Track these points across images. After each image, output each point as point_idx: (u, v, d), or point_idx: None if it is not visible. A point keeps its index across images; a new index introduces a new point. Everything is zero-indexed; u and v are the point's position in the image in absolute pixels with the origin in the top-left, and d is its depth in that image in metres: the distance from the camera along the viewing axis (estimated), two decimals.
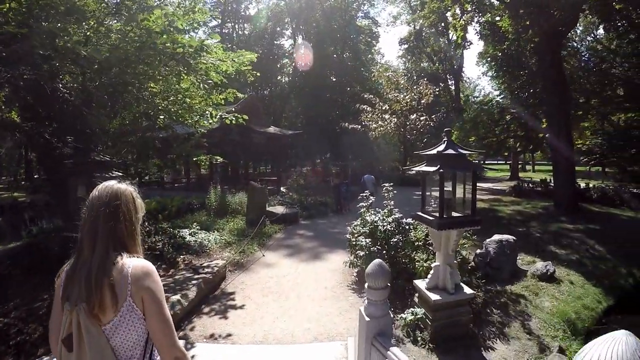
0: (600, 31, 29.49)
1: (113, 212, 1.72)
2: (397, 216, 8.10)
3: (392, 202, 8.80)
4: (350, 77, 36.02)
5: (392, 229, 7.88)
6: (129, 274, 1.65)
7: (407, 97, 14.47)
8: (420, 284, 6.20)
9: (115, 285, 1.61)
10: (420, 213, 6.11)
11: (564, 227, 13.51)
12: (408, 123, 14.09)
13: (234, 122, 10.96)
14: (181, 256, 9.70)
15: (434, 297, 5.72)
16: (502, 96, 31.39)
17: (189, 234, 11.69)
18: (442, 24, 33.91)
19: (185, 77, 8.82)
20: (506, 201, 20.17)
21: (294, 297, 7.45)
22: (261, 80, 43.95)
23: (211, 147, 24.37)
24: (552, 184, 20.84)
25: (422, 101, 14.61)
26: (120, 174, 8.04)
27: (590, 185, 22.22)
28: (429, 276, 6.09)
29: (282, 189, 21.65)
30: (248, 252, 10.64)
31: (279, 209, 15.23)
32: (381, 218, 8.16)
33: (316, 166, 38.67)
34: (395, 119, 14.39)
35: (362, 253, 7.51)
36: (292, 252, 10.96)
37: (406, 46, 39.20)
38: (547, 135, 19.93)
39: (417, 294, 6.32)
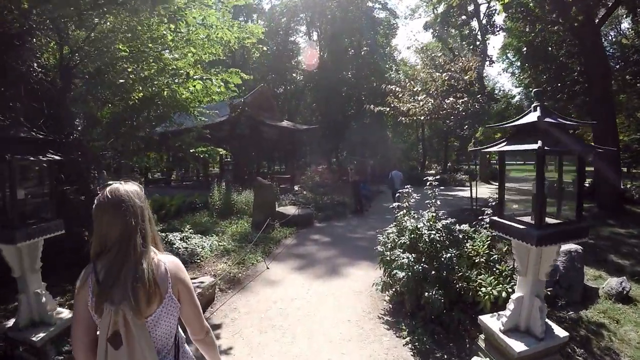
0: (625, 25, 27.45)
1: (142, 211, 1.80)
2: (447, 221, 5.64)
3: (438, 202, 6.37)
4: (368, 71, 33.63)
5: (442, 238, 5.45)
6: (167, 268, 1.80)
7: (444, 75, 11.86)
8: (491, 322, 4.06)
9: (158, 280, 1.74)
10: (499, 219, 3.96)
11: (616, 231, 11.86)
12: (445, 106, 11.49)
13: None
14: None
15: (518, 346, 3.69)
16: (529, 89, 29.11)
17: (180, 239, 9.46)
18: (472, 6, 31.23)
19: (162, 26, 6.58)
20: None
21: (304, 336, 5.10)
22: (275, 77, 42.14)
23: (219, 142, 22.25)
24: (590, 185, 18.68)
25: (466, 77, 12.01)
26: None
27: (628, 185, 20.39)
28: (508, 312, 3.96)
29: (295, 187, 19.32)
30: (249, 263, 8.35)
31: (290, 210, 12.90)
32: (426, 224, 5.67)
33: (332, 164, 36.42)
34: (432, 101, 11.78)
35: (401, 274, 5.06)
36: (303, 263, 8.60)
37: (431, 31, 36.38)
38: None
39: (483, 336, 4.18)
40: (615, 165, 15.26)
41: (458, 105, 11.16)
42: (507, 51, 36.41)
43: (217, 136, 21.45)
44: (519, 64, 31.29)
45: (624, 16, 25.15)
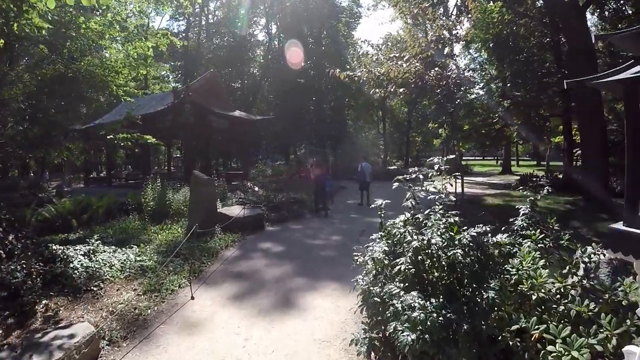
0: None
1: None
2: (475, 231, 3.25)
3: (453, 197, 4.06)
4: (328, 61, 31.35)
5: (470, 260, 3.12)
6: None
7: (422, 40, 9.65)
8: None
9: None
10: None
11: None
12: (432, 76, 9.25)
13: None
14: (46, 300, 5.27)
15: None
16: (496, 81, 27.93)
17: (83, 254, 6.83)
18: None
19: None
20: (517, 196, 16.50)
21: None
22: (231, 71, 39.03)
23: (162, 133, 19.32)
24: (564, 175, 17.68)
25: (462, 30, 9.90)
26: None
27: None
28: None
29: (248, 184, 16.63)
30: (166, 290, 5.79)
31: (235, 210, 10.35)
32: (440, 236, 3.26)
33: (291, 159, 34.02)
34: (418, 64, 9.51)
35: (409, 336, 2.66)
36: (244, 288, 6.12)
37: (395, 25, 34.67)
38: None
39: None
40: (603, 155, 13.82)
41: (449, 73, 9.00)
42: (470, 46, 35.13)
43: (160, 127, 18.59)
44: (483, 58, 30.19)
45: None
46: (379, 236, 4.12)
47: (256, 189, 13.81)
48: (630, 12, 18.50)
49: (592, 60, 14.18)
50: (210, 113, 18.30)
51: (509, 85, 24.71)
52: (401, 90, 10.14)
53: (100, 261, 6.67)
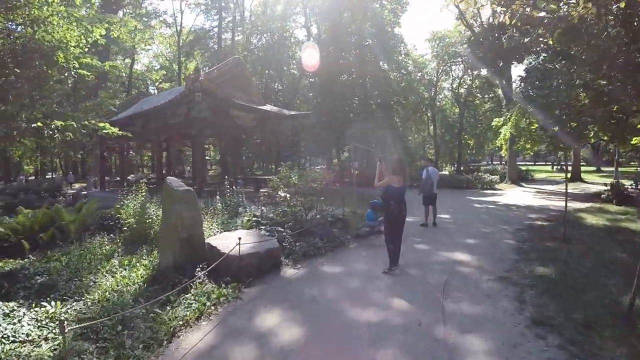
0: None
1: None
2: None
3: None
4: (372, 53, 27.34)
5: None
6: None
7: None
8: None
9: None
10: None
11: None
12: None
13: None
14: None
15: None
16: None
17: None
18: None
19: None
20: (617, 212, 12.75)
21: None
22: (270, 73, 35.91)
23: (173, 130, 15.88)
24: None
25: None
26: None
27: None
28: None
29: (280, 193, 12.00)
30: None
31: (230, 240, 6.26)
32: None
33: (333, 164, 30.13)
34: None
35: None
36: None
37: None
38: None
39: None
40: None
41: None
42: None
43: (171, 124, 15.13)
44: None
45: None
46: None
47: (279, 197, 9.76)
48: None
49: None
50: (232, 106, 14.63)
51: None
52: None
53: None
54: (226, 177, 14.18)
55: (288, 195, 8.71)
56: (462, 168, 37.11)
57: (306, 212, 8.88)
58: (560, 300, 4.73)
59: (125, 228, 8.48)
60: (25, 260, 7.56)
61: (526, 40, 10.91)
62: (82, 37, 7.25)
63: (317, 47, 30.84)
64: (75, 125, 7.10)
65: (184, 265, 5.69)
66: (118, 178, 24.46)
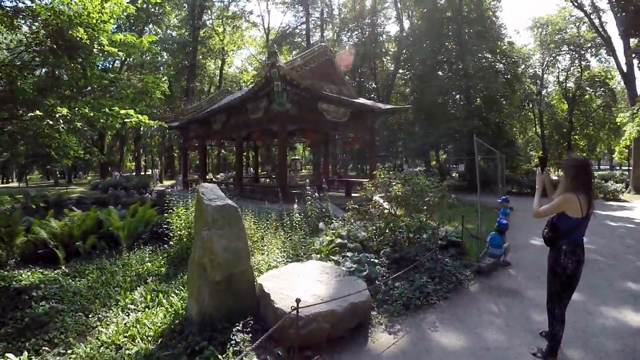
0: None
1: None
2: None
3: None
4: (473, 38, 23.60)
5: None
6: None
7: None
8: None
9: None
10: None
11: None
12: None
13: None
14: None
15: None
16: None
17: None
18: None
19: None
20: None
21: None
22: (364, 71, 33.68)
23: (253, 124, 14.15)
24: None
25: None
26: None
27: None
28: None
29: (377, 199, 8.96)
30: None
31: (294, 282, 3.91)
32: None
33: (432, 167, 26.98)
34: None
35: None
36: None
37: None
38: None
39: None
40: None
41: None
42: None
43: (252, 119, 13.41)
44: None
45: None
46: None
47: (385, 205, 7.08)
48: None
49: None
50: (321, 97, 12.49)
51: None
52: None
53: None
54: (307, 180, 12.05)
55: (386, 209, 6.10)
56: None
57: (412, 235, 6.24)
58: None
59: (171, 243, 6.68)
60: (57, 271, 6.47)
61: None
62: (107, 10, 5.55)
63: (410, 39, 28.38)
64: (93, 115, 5.36)
65: (215, 320, 3.53)
66: (205, 176, 23.80)
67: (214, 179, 22.60)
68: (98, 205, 11.85)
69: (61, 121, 5.14)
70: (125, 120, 5.56)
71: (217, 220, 3.60)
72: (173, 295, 4.65)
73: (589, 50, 30.26)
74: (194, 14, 32.53)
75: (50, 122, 5.14)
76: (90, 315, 4.49)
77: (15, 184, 35.92)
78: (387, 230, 5.80)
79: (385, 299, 4.63)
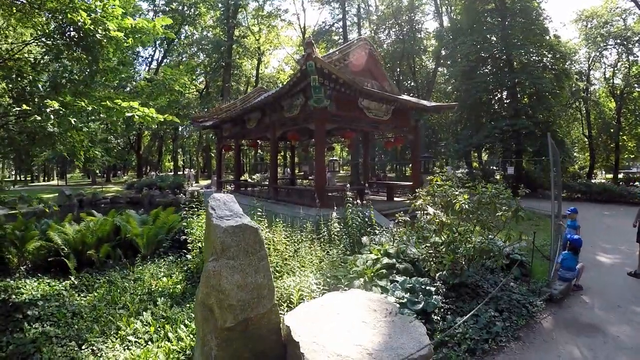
0: None
1: None
2: None
3: None
4: (517, 32, 21.97)
5: None
6: None
7: None
8: None
9: None
10: None
11: None
12: None
13: None
14: None
15: None
16: None
17: None
18: None
19: None
20: None
21: None
22: (403, 69, 32.49)
23: (289, 122, 13.31)
24: None
25: None
26: None
27: None
28: None
29: (425, 206, 7.80)
30: None
31: (332, 324, 2.95)
32: None
33: (475, 169, 25.49)
34: None
35: None
36: None
37: None
38: None
39: None
40: None
41: None
42: None
43: (287, 117, 12.56)
44: None
45: None
46: None
47: (444, 219, 5.85)
48: None
49: None
50: (361, 93, 11.47)
51: None
52: None
53: None
54: (347, 184, 11.08)
55: (446, 224, 4.93)
56: (620, 176, 29.15)
57: (477, 257, 5.06)
58: None
59: (190, 256, 5.85)
60: (65, 283, 5.79)
61: None
62: None
63: (450, 35, 27.09)
64: (90, 108, 4.58)
65: None
66: (239, 177, 23.26)
67: (249, 180, 22.00)
68: (132, 205, 11.43)
69: (52, 116, 4.40)
70: (127, 114, 4.78)
71: (229, 247, 2.70)
72: (182, 327, 3.78)
73: (637, 44, 27.84)
74: (229, 13, 32.32)
75: (39, 118, 4.40)
76: (83, 346, 3.71)
77: (55, 182, 36.86)
78: (446, 250, 4.69)
79: (444, 341, 3.61)
